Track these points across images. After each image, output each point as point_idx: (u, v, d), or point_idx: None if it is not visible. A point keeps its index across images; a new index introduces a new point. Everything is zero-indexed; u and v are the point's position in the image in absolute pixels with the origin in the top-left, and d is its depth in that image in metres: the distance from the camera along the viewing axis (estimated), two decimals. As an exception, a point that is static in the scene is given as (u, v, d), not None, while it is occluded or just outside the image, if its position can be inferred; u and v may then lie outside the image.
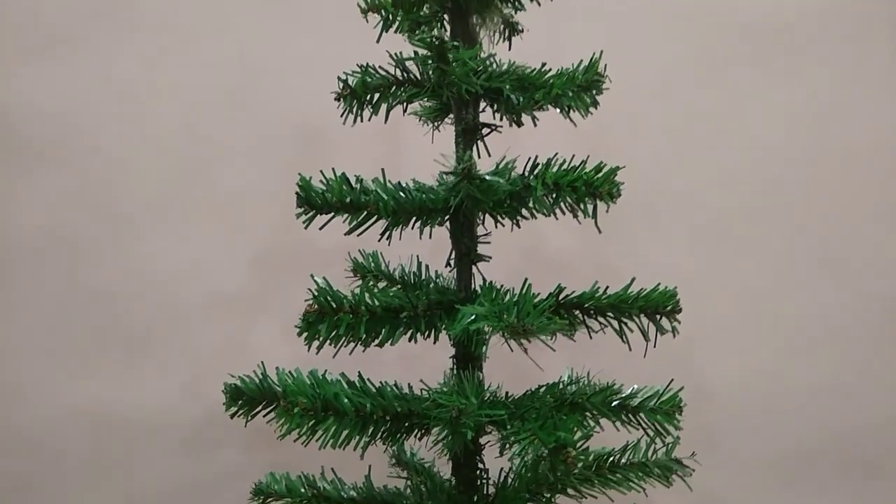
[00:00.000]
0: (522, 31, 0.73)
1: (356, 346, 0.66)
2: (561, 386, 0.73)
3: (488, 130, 0.71)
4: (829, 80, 1.07)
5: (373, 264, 0.81)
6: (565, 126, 0.70)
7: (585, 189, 0.62)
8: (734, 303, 1.08)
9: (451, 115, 0.72)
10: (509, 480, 0.72)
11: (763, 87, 1.07)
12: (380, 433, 0.62)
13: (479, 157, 0.72)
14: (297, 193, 0.64)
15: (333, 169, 0.66)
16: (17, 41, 1.01)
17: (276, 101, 1.03)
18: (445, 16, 0.71)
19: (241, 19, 1.03)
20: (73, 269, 1.02)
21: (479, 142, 0.71)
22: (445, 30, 0.71)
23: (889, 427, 1.08)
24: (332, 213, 0.65)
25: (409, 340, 0.69)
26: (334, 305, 0.61)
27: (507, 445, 0.58)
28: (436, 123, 0.75)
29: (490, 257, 0.72)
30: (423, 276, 0.78)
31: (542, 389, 0.72)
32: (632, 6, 1.06)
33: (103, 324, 1.03)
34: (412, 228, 0.69)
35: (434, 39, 0.59)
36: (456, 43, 0.62)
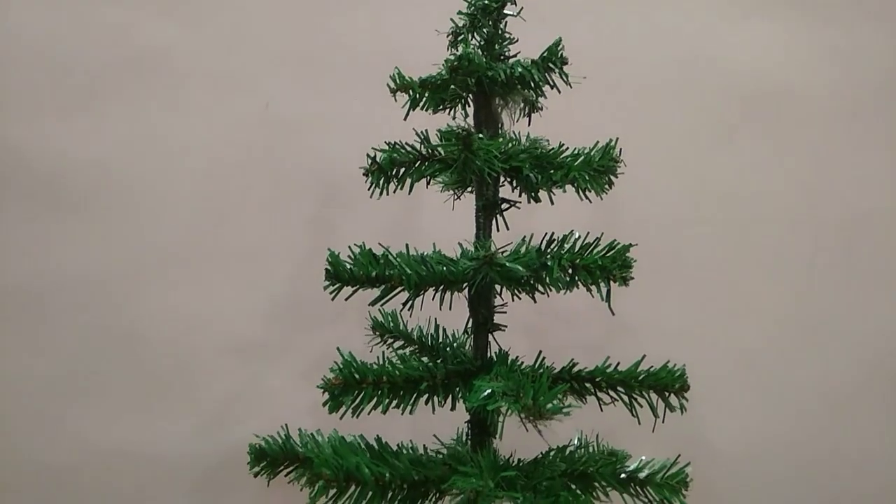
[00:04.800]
0: (542, 109, 0.77)
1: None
2: (571, 449, 0.75)
3: (507, 206, 0.74)
4: (832, 149, 1.11)
5: (391, 324, 0.84)
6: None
7: (600, 272, 0.65)
8: (737, 365, 1.11)
9: (472, 187, 0.76)
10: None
11: (767, 156, 1.11)
12: (398, 500, 0.65)
13: (497, 230, 0.76)
14: (326, 269, 0.67)
15: (361, 245, 0.69)
16: (52, 95, 1.06)
17: (299, 157, 1.07)
18: (469, 96, 0.75)
19: (268, 77, 1.07)
20: (98, 313, 1.06)
21: (498, 216, 0.75)
22: (468, 110, 0.75)
23: (885, 490, 1.10)
24: (358, 286, 0.68)
25: (426, 404, 0.73)
26: (358, 378, 0.64)
27: (521, 520, 0.60)
28: (457, 194, 0.79)
29: (506, 326, 0.75)
30: (440, 339, 0.81)
31: (553, 453, 0.75)
32: (643, 79, 1.10)
33: (125, 366, 1.06)
34: (433, 299, 0.72)
35: (461, 131, 0.62)
36: (481, 135, 0.66)
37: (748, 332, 1.10)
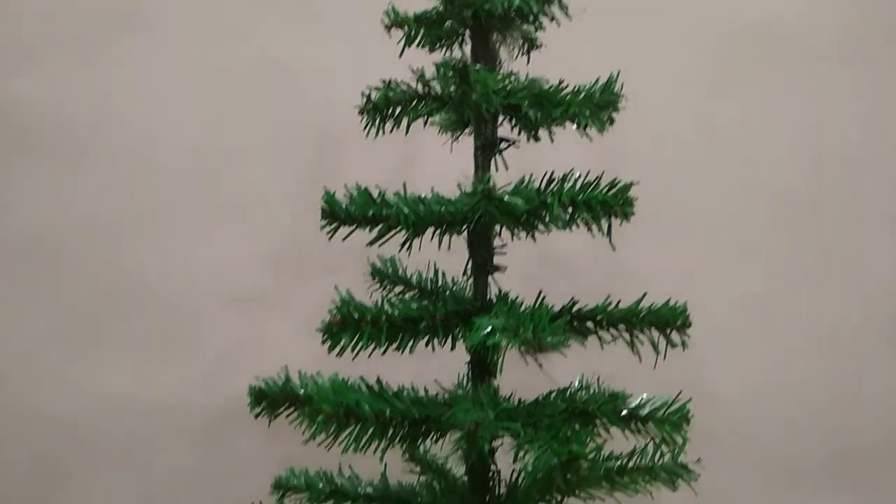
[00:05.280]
0: (541, 46, 0.75)
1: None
2: (572, 391, 0.75)
3: (506, 145, 0.73)
4: (838, 92, 1.09)
5: (390, 269, 0.83)
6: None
7: (601, 208, 0.64)
8: (740, 309, 1.10)
9: (470, 128, 0.74)
10: (520, 481, 0.75)
11: (772, 98, 1.09)
12: (398, 438, 0.65)
13: (496, 170, 0.75)
14: (322, 207, 0.66)
15: (358, 184, 0.68)
16: (39, 44, 1.04)
17: (295, 106, 1.06)
18: (466, 32, 0.73)
19: (263, 24, 1.05)
20: (95, 264, 1.06)
21: (496, 155, 0.73)
22: (465, 46, 0.73)
23: (888, 434, 1.11)
24: (355, 226, 0.67)
25: (426, 346, 0.72)
26: (357, 316, 0.63)
27: (521, 454, 0.60)
28: (455, 135, 0.77)
29: (506, 267, 0.75)
30: (440, 283, 0.80)
31: (554, 395, 0.75)
32: (644, 19, 1.08)
33: (124, 316, 1.06)
34: (431, 240, 0.71)
35: (458, 63, 0.60)
36: (478, 66, 0.64)
37: (752, 274, 1.10)
